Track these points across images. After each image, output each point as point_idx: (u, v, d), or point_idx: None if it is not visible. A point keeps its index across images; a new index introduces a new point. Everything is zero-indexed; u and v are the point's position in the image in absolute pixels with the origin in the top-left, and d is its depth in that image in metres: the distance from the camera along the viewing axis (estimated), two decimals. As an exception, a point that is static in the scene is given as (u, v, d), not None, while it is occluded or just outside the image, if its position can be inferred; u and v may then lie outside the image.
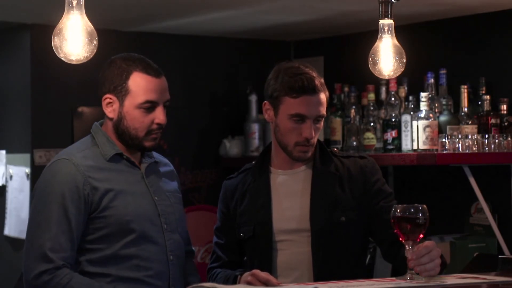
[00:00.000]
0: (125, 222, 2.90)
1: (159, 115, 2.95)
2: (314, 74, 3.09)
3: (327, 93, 3.13)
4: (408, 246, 2.72)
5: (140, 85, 2.92)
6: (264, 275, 2.79)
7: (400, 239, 2.74)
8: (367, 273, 4.02)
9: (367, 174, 3.13)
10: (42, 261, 2.82)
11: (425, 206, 2.74)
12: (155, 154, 3.14)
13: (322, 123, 3.12)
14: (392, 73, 3.17)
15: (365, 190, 3.11)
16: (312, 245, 3.05)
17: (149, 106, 2.92)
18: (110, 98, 2.95)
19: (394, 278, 2.78)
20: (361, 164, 3.14)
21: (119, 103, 2.93)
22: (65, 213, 2.85)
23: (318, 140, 3.18)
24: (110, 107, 2.96)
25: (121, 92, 2.93)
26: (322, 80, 3.11)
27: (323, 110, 3.08)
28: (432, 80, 4.66)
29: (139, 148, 3.00)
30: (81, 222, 2.88)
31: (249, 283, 2.81)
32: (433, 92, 4.64)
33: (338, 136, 4.98)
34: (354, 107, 4.96)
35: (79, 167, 2.89)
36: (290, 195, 3.13)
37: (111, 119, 2.97)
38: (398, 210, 2.73)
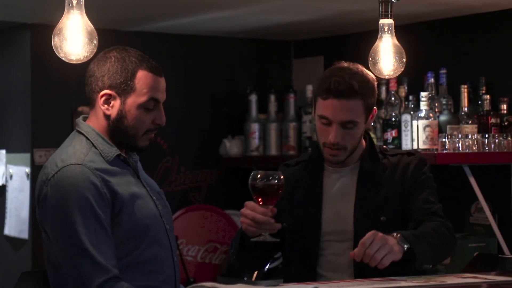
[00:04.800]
0: (143, 227, 2.75)
1: (160, 115, 2.83)
2: (349, 78, 3.01)
3: (370, 98, 3.04)
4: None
5: (145, 83, 2.78)
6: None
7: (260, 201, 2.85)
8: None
9: (408, 172, 3.11)
10: (99, 272, 2.62)
11: (280, 172, 2.86)
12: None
13: (356, 128, 3.04)
14: (392, 72, 3.18)
15: (404, 188, 3.10)
16: (354, 247, 3.01)
17: (152, 105, 2.80)
18: (109, 95, 2.77)
19: (394, 278, 2.78)
20: (405, 162, 3.13)
21: (121, 100, 2.78)
22: (99, 220, 2.67)
23: (369, 138, 3.17)
24: (108, 104, 2.79)
25: (125, 89, 2.77)
26: (360, 85, 3.01)
27: (350, 116, 3.01)
28: (432, 80, 4.66)
29: (131, 148, 2.86)
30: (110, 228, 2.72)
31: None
32: (433, 91, 4.64)
33: (338, 136, 4.98)
34: (354, 107, 4.96)
35: (94, 171, 2.70)
36: (337, 195, 3.13)
37: (107, 116, 2.80)
38: (258, 176, 2.83)
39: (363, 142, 3.17)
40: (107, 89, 2.78)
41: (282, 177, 2.83)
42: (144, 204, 2.80)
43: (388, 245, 2.76)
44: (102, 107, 2.80)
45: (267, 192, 2.84)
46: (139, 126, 2.81)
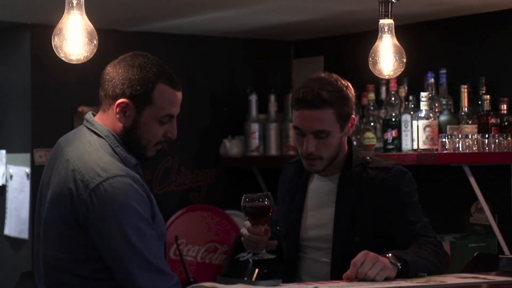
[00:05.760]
0: (162, 236, 2.75)
1: (172, 129, 2.79)
2: (318, 88, 3.00)
3: (343, 108, 3.02)
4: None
5: (164, 98, 2.74)
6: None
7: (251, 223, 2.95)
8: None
9: (384, 192, 3.05)
10: (166, 279, 2.66)
11: (269, 193, 2.95)
12: None
13: (330, 138, 3.03)
14: (392, 72, 3.18)
15: (380, 209, 3.04)
16: (332, 261, 3.05)
17: (167, 120, 2.77)
18: (126, 104, 2.72)
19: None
20: (381, 179, 3.06)
21: (136, 111, 2.73)
22: (150, 228, 2.66)
23: (350, 149, 3.12)
24: (124, 114, 2.73)
25: (143, 101, 2.72)
26: (331, 95, 3.00)
27: (321, 126, 3.01)
28: (432, 80, 4.66)
29: (139, 156, 2.81)
30: None
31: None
32: (433, 92, 4.64)
33: (338, 136, 4.98)
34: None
35: (138, 182, 2.67)
36: (318, 204, 3.13)
37: (121, 124, 2.75)
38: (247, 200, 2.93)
39: (346, 151, 3.13)
40: (125, 98, 2.73)
41: (270, 199, 2.92)
42: (159, 213, 2.78)
43: (380, 262, 2.71)
44: (117, 115, 2.74)
45: (256, 214, 2.94)
46: (151, 138, 2.78)
